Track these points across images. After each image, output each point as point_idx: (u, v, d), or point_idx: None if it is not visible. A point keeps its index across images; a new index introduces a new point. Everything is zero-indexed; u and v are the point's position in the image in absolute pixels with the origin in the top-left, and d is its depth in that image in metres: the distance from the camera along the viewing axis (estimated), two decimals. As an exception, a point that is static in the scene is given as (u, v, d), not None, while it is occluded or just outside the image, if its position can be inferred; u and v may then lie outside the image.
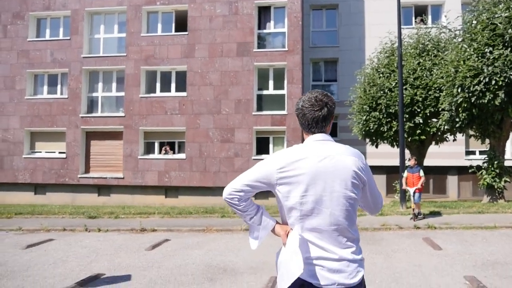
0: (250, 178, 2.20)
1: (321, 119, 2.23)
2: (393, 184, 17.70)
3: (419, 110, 15.58)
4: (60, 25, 20.96)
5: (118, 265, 7.85)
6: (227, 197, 2.23)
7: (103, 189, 19.82)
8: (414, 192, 11.52)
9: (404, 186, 12.07)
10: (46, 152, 20.54)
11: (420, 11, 21.84)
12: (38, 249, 9.70)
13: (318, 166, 2.12)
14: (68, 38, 20.39)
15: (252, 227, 2.32)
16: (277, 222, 2.32)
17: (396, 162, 15.03)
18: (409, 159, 12.12)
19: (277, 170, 2.14)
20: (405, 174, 12.04)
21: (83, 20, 20.29)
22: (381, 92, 15.97)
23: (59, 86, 20.77)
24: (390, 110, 15.77)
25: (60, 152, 20.29)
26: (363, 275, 2.19)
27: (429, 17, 21.52)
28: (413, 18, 21.77)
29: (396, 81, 15.35)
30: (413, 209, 11.51)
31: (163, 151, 19.54)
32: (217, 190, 17.98)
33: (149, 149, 19.91)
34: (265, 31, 19.72)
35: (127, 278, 6.94)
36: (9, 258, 8.61)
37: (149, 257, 8.33)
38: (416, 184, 11.55)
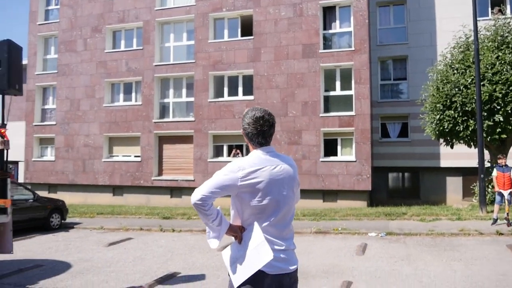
0: (216, 185, 2.48)
1: (269, 136, 2.66)
2: (471, 187, 16.80)
3: (499, 107, 14.61)
4: (133, 36, 22.08)
5: (193, 264, 8.14)
6: (197, 202, 2.46)
7: (175, 191, 20.59)
8: (510, 194, 10.70)
9: (496, 188, 11.10)
10: (122, 156, 21.71)
11: (497, 1, 20.56)
12: (119, 247, 10.30)
13: (272, 174, 2.53)
14: (141, 48, 21.44)
15: (212, 229, 2.57)
16: (230, 224, 2.61)
17: (473, 163, 14.27)
18: (499, 158, 11.22)
19: (240, 178, 2.48)
20: (495, 173, 11.15)
21: (154, 30, 21.23)
22: (456, 89, 15.20)
23: (133, 94, 21.90)
24: (466, 108, 14.96)
25: (135, 156, 21.36)
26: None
27: (508, 6, 20.18)
28: (489, 9, 20.53)
29: (473, 77, 14.55)
30: (507, 213, 10.72)
31: (232, 154, 19.93)
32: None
33: (218, 152, 20.40)
34: (330, 31, 19.50)
35: (201, 277, 7.17)
36: (94, 255, 9.23)
37: (221, 258, 8.53)
38: (508, 184, 10.76)
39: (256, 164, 2.53)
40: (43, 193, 20.97)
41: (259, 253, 2.42)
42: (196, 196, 2.46)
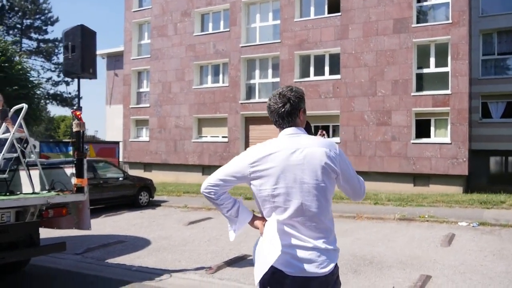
0: (225, 172, 2.29)
1: (286, 115, 2.33)
2: None
3: None
4: (220, 18, 22.36)
5: (266, 248, 8.05)
6: (204, 190, 2.30)
7: (261, 171, 20.70)
8: None
9: None
10: (211, 136, 22.34)
11: None
12: (198, 226, 10.58)
13: (288, 159, 2.21)
14: (228, 30, 21.64)
15: (229, 220, 2.39)
16: (254, 215, 2.39)
17: None
18: None
19: (249, 164, 2.24)
20: None
21: (240, 12, 21.28)
22: None
23: (221, 76, 22.29)
24: None
25: (223, 137, 21.84)
26: (335, 265, 2.26)
27: None
28: None
29: None
30: None
31: (318, 135, 19.50)
32: (373, 175, 17.29)
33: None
34: (425, 3, 18.02)
35: (271, 262, 7.07)
36: (173, 233, 9.58)
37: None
38: None
39: (271, 148, 2.26)
40: (139, 172, 22.43)
41: (271, 248, 2.15)
42: (203, 184, 2.30)
